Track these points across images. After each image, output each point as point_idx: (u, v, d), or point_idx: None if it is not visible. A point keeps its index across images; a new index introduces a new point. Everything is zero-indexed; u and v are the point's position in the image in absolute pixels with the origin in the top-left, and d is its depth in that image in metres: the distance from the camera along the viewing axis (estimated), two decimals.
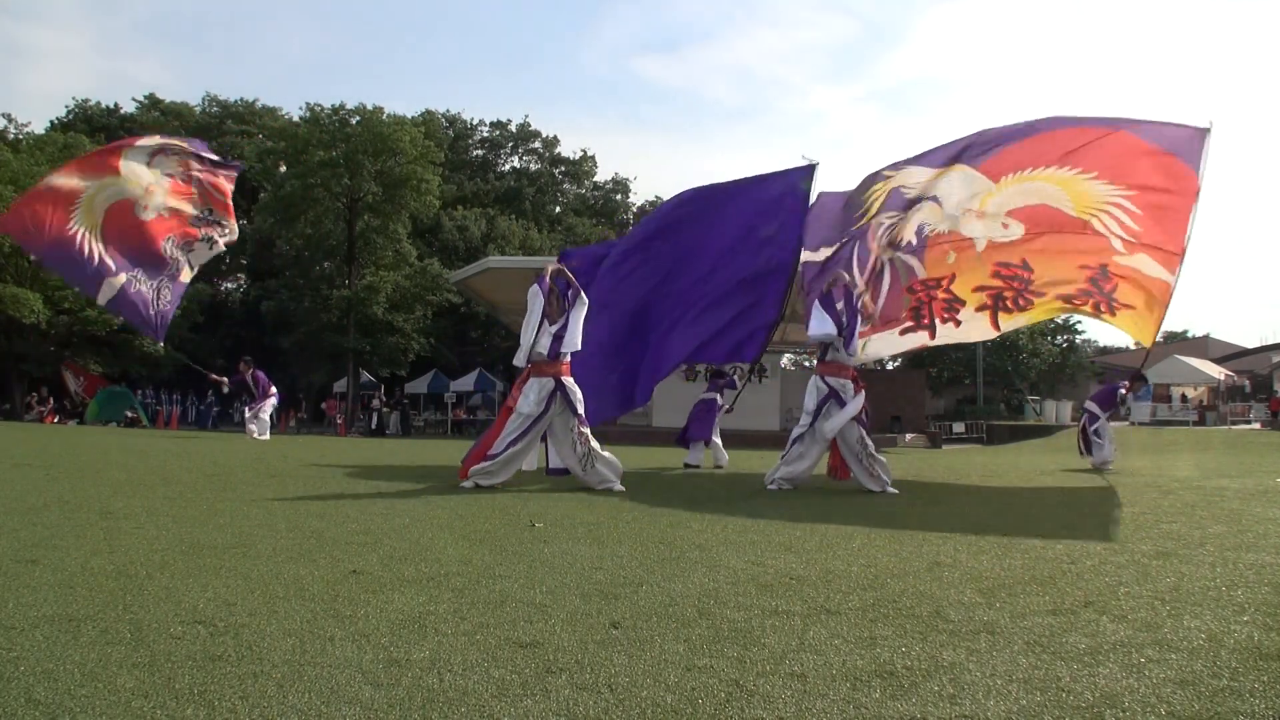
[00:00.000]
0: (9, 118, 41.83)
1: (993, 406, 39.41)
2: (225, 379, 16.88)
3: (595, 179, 56.66)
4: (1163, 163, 8.29)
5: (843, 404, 8.30)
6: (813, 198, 9.79)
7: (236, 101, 48.24)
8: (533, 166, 55.29)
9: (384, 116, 35.34)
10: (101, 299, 12.95)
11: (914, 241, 9.57)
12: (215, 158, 14.39)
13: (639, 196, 56.22)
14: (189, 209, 13.33)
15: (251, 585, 3.58)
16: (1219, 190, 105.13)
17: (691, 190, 10.25)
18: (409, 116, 38.03)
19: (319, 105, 36.29)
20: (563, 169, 56.01)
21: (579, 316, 7.95)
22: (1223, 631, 3.14)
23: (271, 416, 16.90)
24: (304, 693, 2.38)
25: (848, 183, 10.21)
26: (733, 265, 9.69)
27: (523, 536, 5.05)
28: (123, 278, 12.67)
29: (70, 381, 30.77)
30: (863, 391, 8.46)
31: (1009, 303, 9.44)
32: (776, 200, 9.69)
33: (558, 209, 53.66)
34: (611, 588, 3.69)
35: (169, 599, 3.32)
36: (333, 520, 5.47)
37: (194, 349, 36.27)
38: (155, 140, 13.76)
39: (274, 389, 16.73)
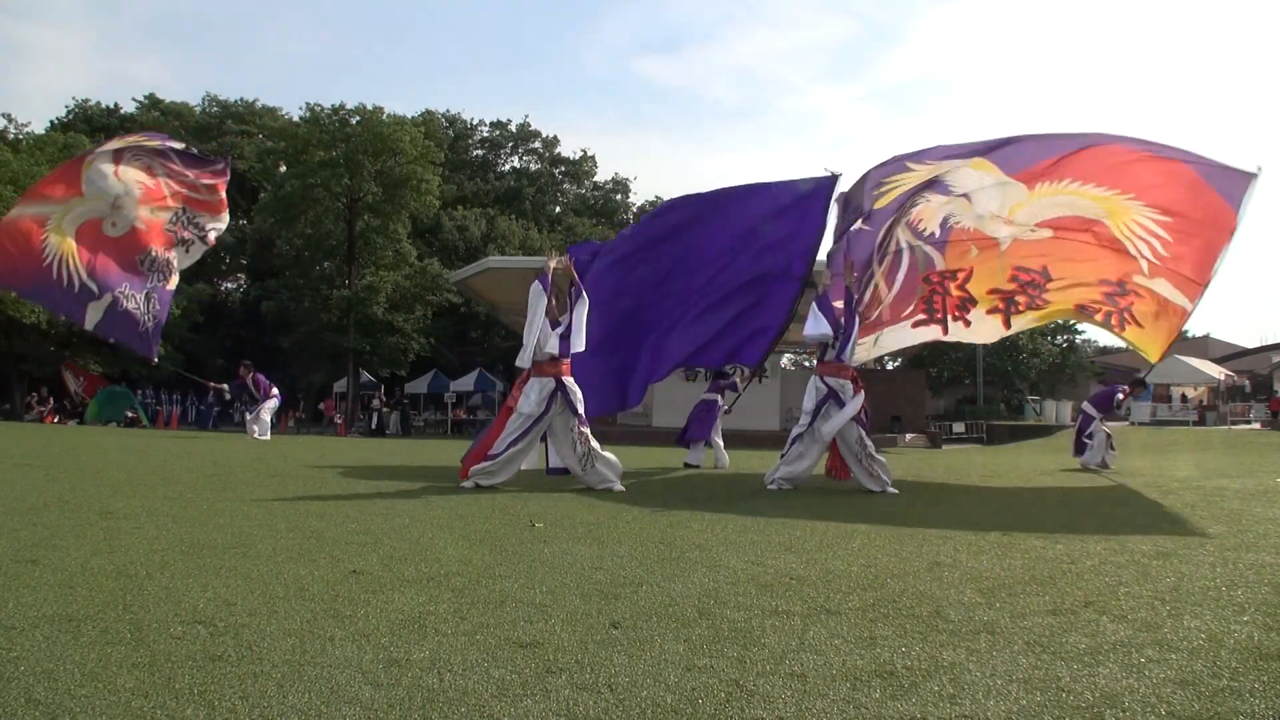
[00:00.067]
0: (9, 118, 41.59)
1: (993, 406, 39.40)
2: (224, 385, 16.78)
3: (595, 179, 56.62)
4: (1205, 197, 8.15)
5: (842, 404, 8.30)
6: (832, 208, 9.38)
7: (236, 101, 48.17)
8: (533, 166, 55.25)
9: (384, 116, 35.28)
10: (89, 324, 12.28)
11: (937, 233, 9.54)
12: (196, 153, 13.87)
13: (639, 196, 56.22)
14: (162, 216, 12.72)
15: (251, 585, 3.58)
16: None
17: (700, 194, 9.99)
18: (409, 116, 37.98)
19: (319, 105, 36.24)
20: (563, 169, 55.96)
21: (582, 315, 7.92)
22: (1223, 631, 3.14)
23: (272, 417, 16.89)
24: (304, 693, 2.38)
25: (847, 183, 10.08)
26: (734, 267, 9.62)
27: (523, 536, 5.06)
28: (108, 298, 12.08)
29: (70, 381, 30.74)
30: (862, 392, 8.46)
31: (1021, 305, 9.47)
32: (788, 208, 9.41)
33: (558, 209, 53.60)
34: (611, 588, 3.69)
35: (169, 599, 3.32)
36: (333, 520, 5.47)
37: (194, 349, 36.28)
38: (113, 145, 12.85)
39: (275, 391, 16.71)
